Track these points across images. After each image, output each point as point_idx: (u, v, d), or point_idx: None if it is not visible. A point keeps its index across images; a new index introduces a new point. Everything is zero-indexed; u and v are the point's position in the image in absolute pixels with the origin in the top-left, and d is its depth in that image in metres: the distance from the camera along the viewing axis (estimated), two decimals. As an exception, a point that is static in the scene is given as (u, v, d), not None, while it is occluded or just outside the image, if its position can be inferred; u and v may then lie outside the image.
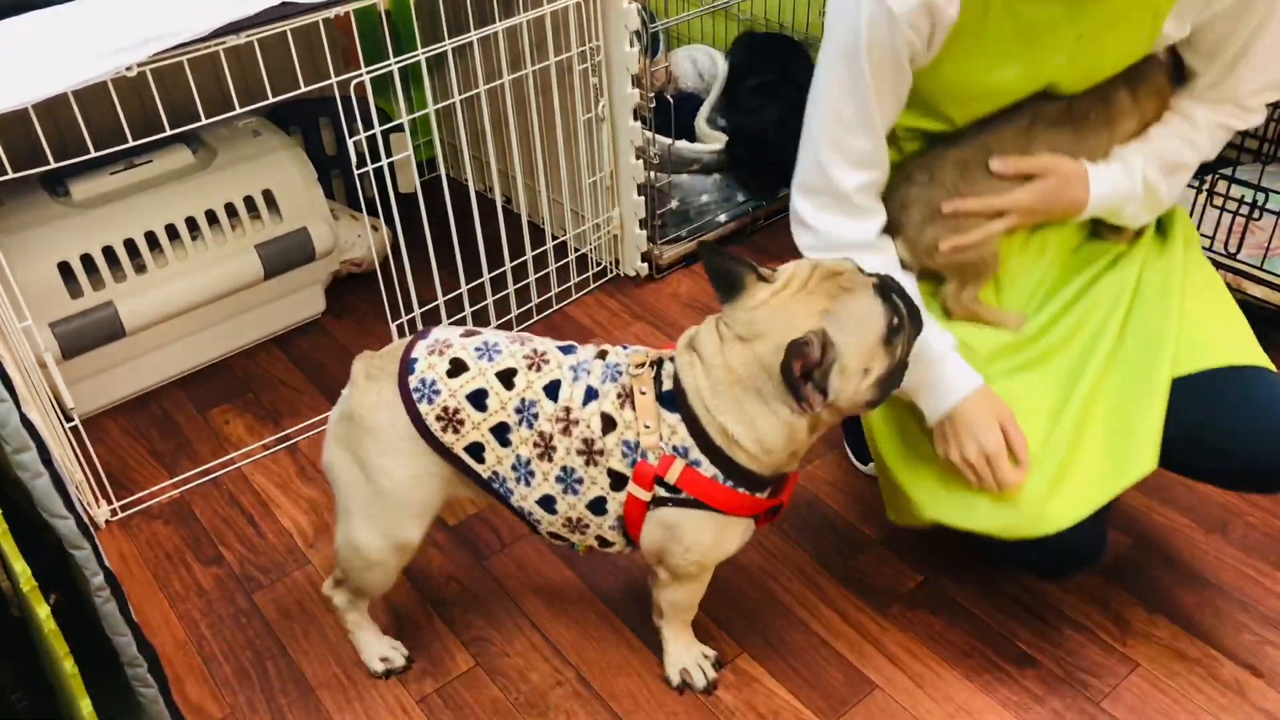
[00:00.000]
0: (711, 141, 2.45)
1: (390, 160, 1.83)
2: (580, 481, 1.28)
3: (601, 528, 1.31)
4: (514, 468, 1.28)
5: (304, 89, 1.68)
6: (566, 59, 2.04)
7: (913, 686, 1.47)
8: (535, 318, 2.23)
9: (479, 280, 2.09)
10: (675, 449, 1.24)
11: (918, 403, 1.36)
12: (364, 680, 1.52)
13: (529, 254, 2.17)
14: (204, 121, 1.61)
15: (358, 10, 1.67)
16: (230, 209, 1.99)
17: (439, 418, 1.27)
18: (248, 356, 2.16)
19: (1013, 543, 1.33)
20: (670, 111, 2.34)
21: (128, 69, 1.47)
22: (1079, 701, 1.44)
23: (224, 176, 2.00)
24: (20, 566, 1.03)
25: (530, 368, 1.29)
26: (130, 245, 1.90)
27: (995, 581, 1.60)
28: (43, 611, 1.05)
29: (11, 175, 1.48)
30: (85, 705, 1.09)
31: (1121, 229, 1.44)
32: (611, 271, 2.36)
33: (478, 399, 1.27)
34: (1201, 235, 1.95)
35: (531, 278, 2.20)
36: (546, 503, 1.30)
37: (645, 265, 2.33)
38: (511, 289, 2.16)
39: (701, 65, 2.68)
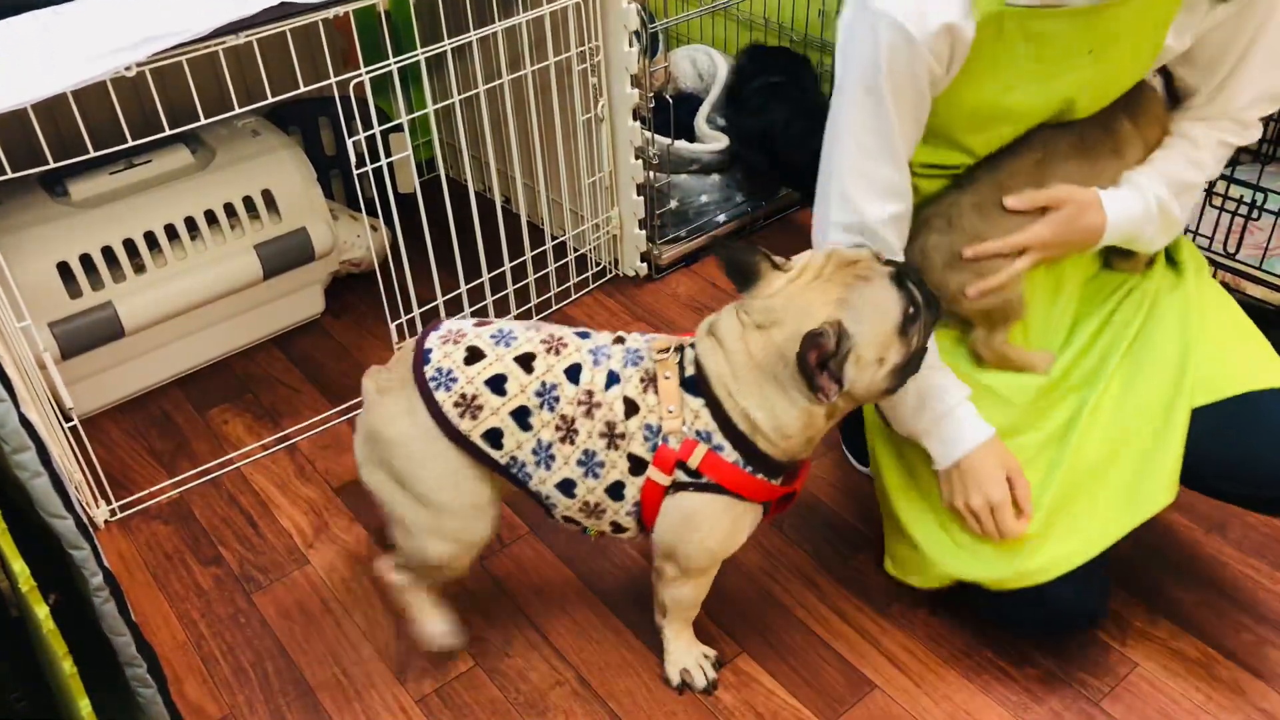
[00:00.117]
0: (711, 141, 2.45)
1: (389, 160, 1.83)
2: (601, 465, 1.27)
3: (618, 513, 1.31)
4: (534, 452, 1.28)
5: (303, 89, 1.68)
6: (566, 59, 2.04)
7: (912, 686, 1.47)
8: (534, 318, 2.23)
9: (478, 280, 2.09)
10: (698, 434, 1.25)
11: (927, 448, 1.37)
12: (363, 680, 1.52)
13: (528, 254, 2.17)
14: (203, 121, 1.61)
15: (357, 10, 1.67)
16: (229, 209, 1.99)
17: (456, 404, 1.27)
18: (247, 357, 2.16)
19: (1014, 601, 1.37)
20: (670, 111, 2.33)
21: (127, 69, 1.47)
22: (1078, 701, 1.44)
23: (223, 176, 2.00)
24: (19, 566, 1.03)
25: (549, 351, 1.29)
26: (129, 245, 1.90)
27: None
28: (41, 611, 1.04)
29: (10, 175, 1.48)
30: (84, 705, 1.09)
31: (1133, 258, 1.45)
32: (611, 272, 2.36)
33: (497, 384, 1.27)
34: (1200, 235, 1.96)
35: (531, 278, 2.20)
36: (566, 486, 1.29)
37: (644, 265, 2.33)
38: (511, 289, 2.16)
39: (701, 65, 2.68)
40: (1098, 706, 1.43)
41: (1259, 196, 1.86)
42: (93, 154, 1.54)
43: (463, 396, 1.27)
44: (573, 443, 1.27)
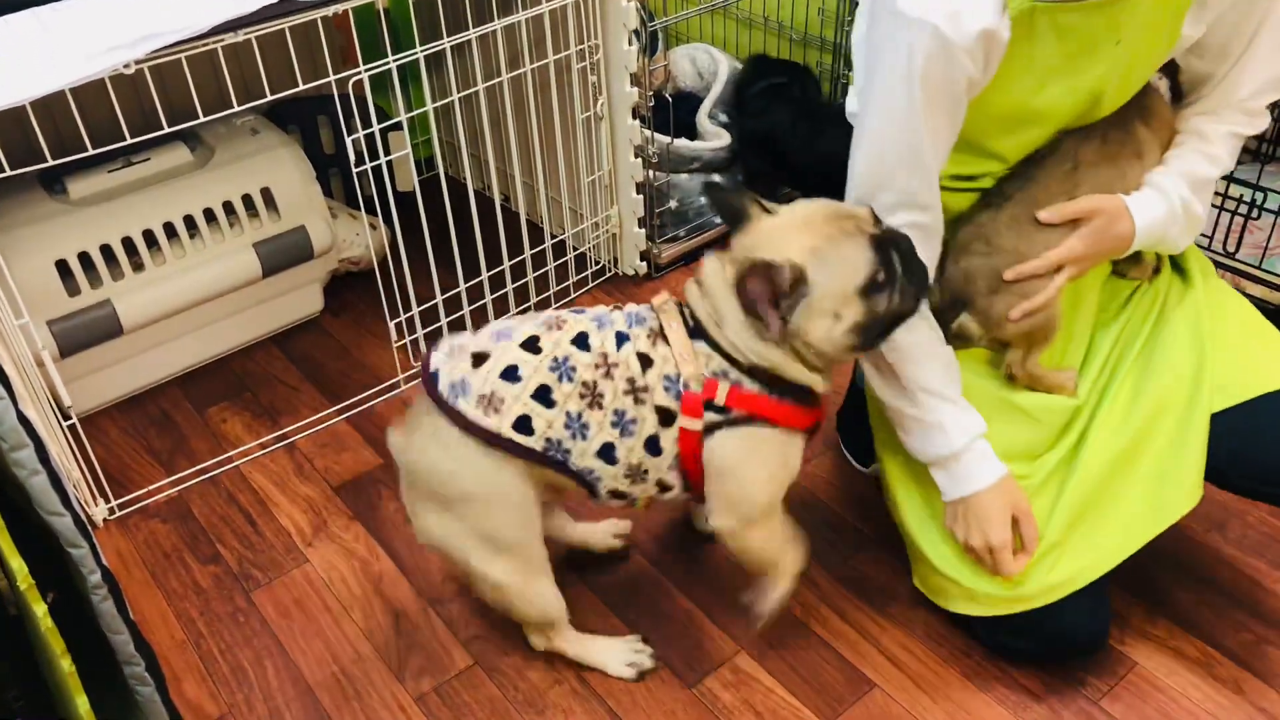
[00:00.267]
0: (712, 138, 2.45)
1: (388, 158, 1.83)
2: (634, 421, 1.27)
3: (660, 469, 1.31)
4: (566, 425, 1.27)
5: (302, 87, 1.68)
6: (565, 57, 2.04)
7: (911, 685, 1.47)
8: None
9: (477, 279, 2.09)
10: (715, 373, 1.26)
11: (935, 478, 1.37)
12: (361, 679, 1.51)
13: (527, 252, 2.17)
14: (202, 119, 1.61)
15: (356, 8, 1.67)
16: (228, 207, 1.99)
17: (478, 405, 1.26)
18: (246, 355, 2.16)
19: (1020, 626, 1.38)
20: (669, 110, 2.33)
21: (125, 66, 1.47)
22: (1077, 700, 1.44)
23: (222, 174, 2.00)
24: (17, 564, 1.03)
25: (551, 329, 1.30)
26: (128, 243, 1.90)
27: (994, 580, 1.60)
28: (40, 609, 1.04)
29: (9, 173, 1.48)
30: (82, 703, 1.09)
31: (1141, 264, 1.45)
32: (610, 270, 2.36)
33: (510, 374, 1.27)
34: (1200, 235, 1.96)
35: (530, 276, 2.19)
36: (606, 452, 1.28)
37: (644, 264, 2.33)
38: (510, 287, 2.16)
39: (701, 64, 2.68)
40: (1097, 705, 1.43)
41: (1259, 196, 1.86)
42: (91, 152, 1.54)
43: (481, 397, 1.26)
44: (601, 406, 1.27)
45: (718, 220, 2.43)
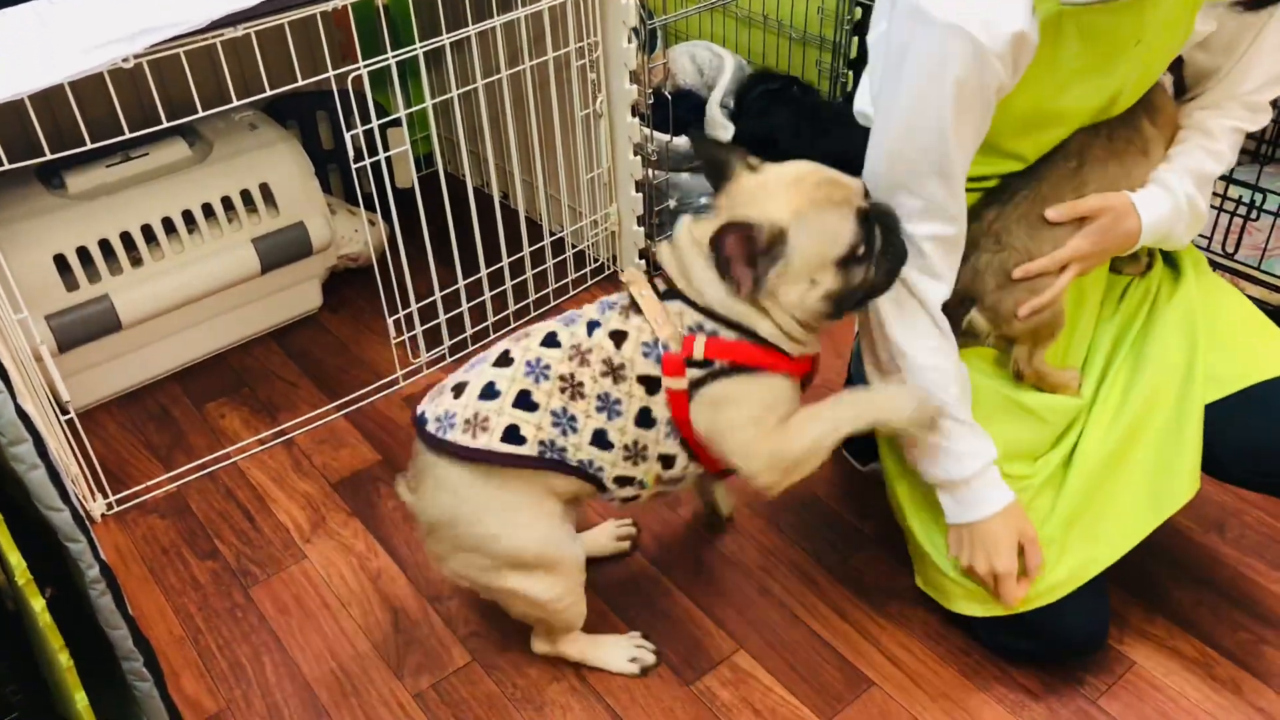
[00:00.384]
0: (720, 129, 2.44)
1: (387, 155, 1.82)
2: (619, 401, 1.27)
3: (658, 441, 1.30)
4: (554, 423, 1.27)
5: (301, 82, 1.67)
6: (564, 54, 2.04)
7: (909, 684, 1.47)
8: (532, 314, 2.23)
9: (476, 276, 2.09)
10: (690, 329, 1.26)
11: (940, 500, 1.36)
12: (360, 675, 1.51)
13: (526, 250, 2.16)
14: (200, 114, 1.61)
15: (355, 4, 1.66)
16: (227, 202, 1.99)
17: (465, 430, 1.27)
18: (244, 351, 2.16)
19: (1021, 627, 1.38)
20: (669, 108, 2.33)
21: (124, 60, 1.46)
22: (1075, 700, 1.44)
23: (221, 170, 1.99)
24: (15, 559, 1.03)
25: (519, 340, 1.31)
26: (126, 238, 1.90)
27: (992, 579, 1.60)
28: (38, 604, 1.04)
29: (7, 166, 1.47)
30: (80, 699, 1.09)
31: (1137, 260, 1.46)
32: (609, 268, 2.36)
33: (488, 392, 1.28)
34: (1200, 235, 1.96)
35: (529, 274, 2.19)
36: (600, 439, 1.28)
37: (643, 262, 2.32)
38: (509, 285, 2.16)
39: (701, 61, 2.67)
40: (1095, 705, 1.43)
41: (1258, 197, 1.86)
42: (90, 146, 1.54)
43: (466, 421, 1.27)
44: (583, 395, 1.27)
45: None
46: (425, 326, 2.06)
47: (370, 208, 2.27)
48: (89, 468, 1.78)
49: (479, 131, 2.36)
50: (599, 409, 1.27)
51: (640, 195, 2.23)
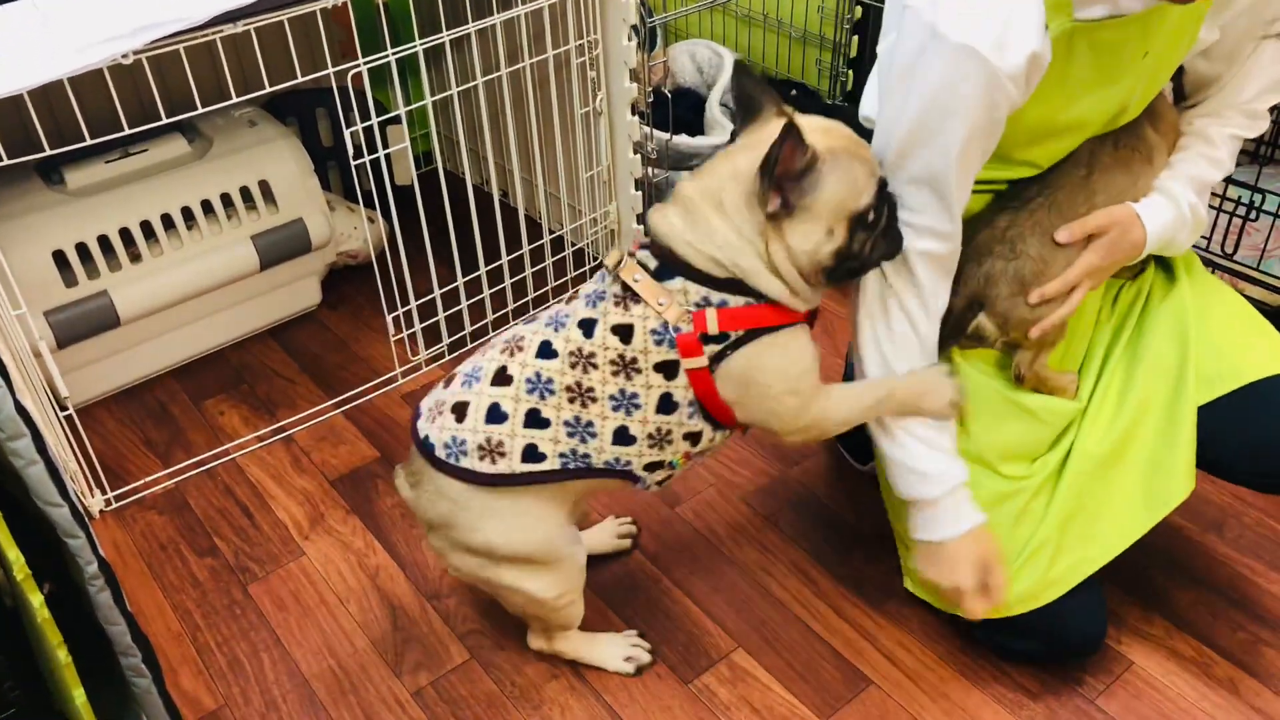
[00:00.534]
0: (717, 131, 2.44)
1: (387, 152, 1.82)
2: (636, 395, 1.24)
3: (683, 423, 1.27)
4: (571, 434, 1.25)
5: (301, 79, 1.67)
6: (564, 52, 2.04)
7: (908, 683, 1.47)
8: (531, 312, 2.23)
9: (475, 274, 2.09)
10: (697, 304, 1.21)
11: (908, 511, 1.35)
12: (358, 672, 1.51)
13: (525, 248, 2.16)
14: (200, 111, 1.61)
15: (356, 1, 1.66)
16: (226, 199, 1.99)
17: (479, 456, 1.26)
18: (243, 348, 2.16)
19: (1019, 627, 1.38)
20: (668, 106, 2.33)
21: (124, 56, 1.46)
22: (1074, 699, 1.44)
23: (220, 166, 1.99)
24: (14, 555, 1.03)
25: (513, 354, 1.27)
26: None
27: (990, 578, 1.61)
28: (36, 600, 1.04)
29: (7, 162, 1.47)
30: (79, 695, 1.09)
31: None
32: (608, 266, 2.36)
33: (494, 414, 1.25)
34: (1199, 237, 1.96)
35: (528, 272, 2.19)
36: (622, 436, 1.26)
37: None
38: (508, 282, 2.16)
39: (701, 60, 2.67)
40: (1093, 704, 1.43)
41: (1257, 198, 1.86)
42: (89, 142, 1.54)
43: (479, 448, 1.25)
44: (594, 400, 1.24)
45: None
46: (424, 324, 2.06)
47: (369, 205, 2.27)
48: (88, 464, 1.78)
49: (478, 129, 2.36)
50: (615, 408, 1.25)
51: (640, 193, 2.23)
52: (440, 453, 1.27)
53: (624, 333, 1.23)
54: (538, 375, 1.25)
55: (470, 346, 2.11)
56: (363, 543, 1.72)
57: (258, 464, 1.88)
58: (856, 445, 1.81)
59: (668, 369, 1.23)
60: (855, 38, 2.51)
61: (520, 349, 1.27)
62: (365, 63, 1.70)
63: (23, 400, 1.05)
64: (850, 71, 2.56)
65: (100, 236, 1.87)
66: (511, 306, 2.18)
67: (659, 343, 1.22)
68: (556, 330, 1.26)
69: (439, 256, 1.99)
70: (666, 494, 1.78)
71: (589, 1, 1.99)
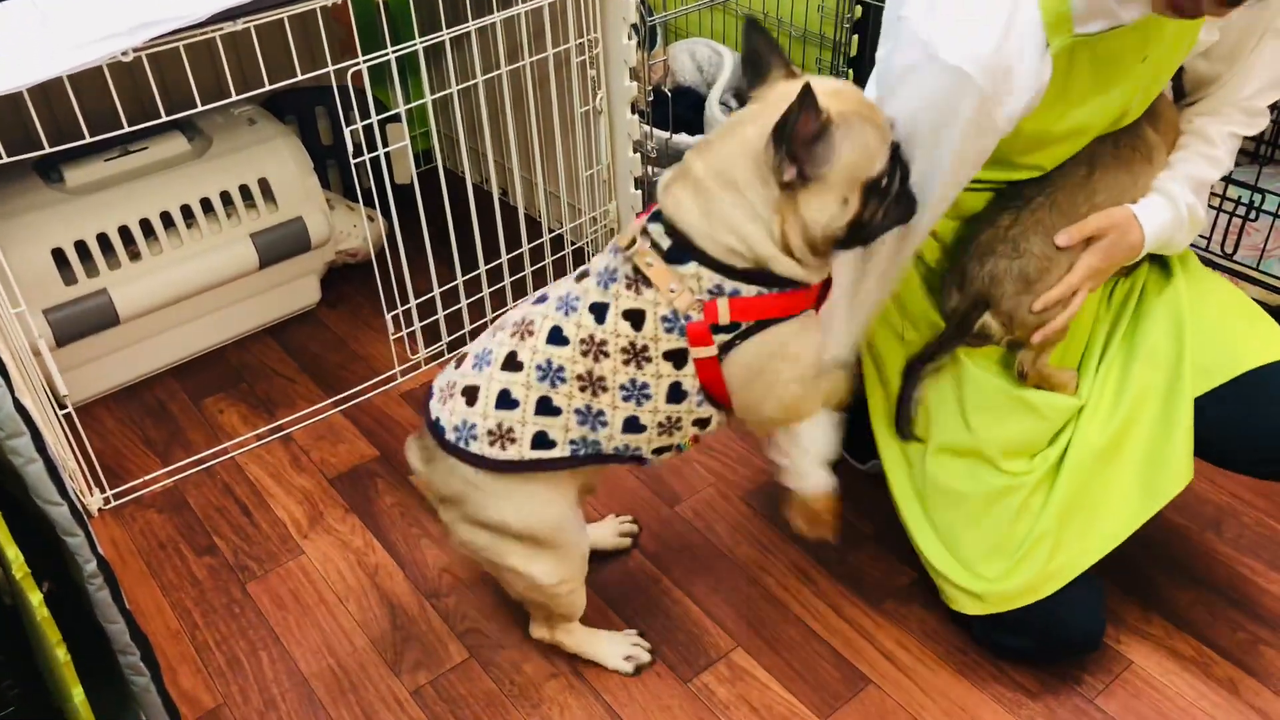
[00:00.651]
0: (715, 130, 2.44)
1: (386, 150, 1.82)
2: (646, 385, 1.23)
3: (692, 411, 1.26)
4: (581, 422, 1.24)
5: (300, 77, 1.67)
6: (564, 51, 2.04)
7: (907, 682, 1.47)
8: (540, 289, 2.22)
9: (475, 273, 2.08)
10: (710, 292, 1.19)
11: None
12: (357, 671, 1.51)
13: (525, 246, 2.16)
14: (200, 109, 1.60)
15: (356, -2, 1.66)
16: (225, 197, 1.98)
17: (490, 442, 1.25)
18: (242, 346, 2.16)
19: (1017, 623, 1.38)
20: (668, 105, 2.33)
21: (123, 54, 1.46)
22: (1072, 698, 1.44)
23: (219, 164, 1.99)
24: (13, 553, 1.02)
25: (522, 339, 1.26)
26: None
27: (990, 578, 1.61)
28: (35, 599, 1.04)
29: (6, 160, 1.47)
30: (77, 693, 1.08)
31: None
32: (608, 265, 2.35)
33: (504, 400, 1.24)
34: (1198, 236, 1.96)
35: (528, 270, 2.19)
36: (632, 425, 1.25)
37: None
38: (507, 281, 2.16)
39: (701, 59, 2.67)
40: (1092, 703, 1.43)
41: (1256, 197, 1.86)
42: (88, 140, 1.53)
43: (490, 433, 1.25)
44: (605, 389, 1.23)
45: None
46: (424, 323, 2.05)
47: (369, 203, 2.27)
48: (86, 462, 1.78)
49: (478, 128, 2.36)
50: (625, 398, 1.23)
51: (639, 192, 2.23)
52: (450, 436, 1.26)
53: (635, 318, 1.21)
54: (549, 363, 1.24)
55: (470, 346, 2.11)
56: (362, 541, 1.71)
57: (257, 463, 1.88)
58: (857, 445, 1.81)
59: (677, 357, 1.22)
60: (855, 37, 2.50)
61: (531, 333, 1.26)
62: (365, 61, 1.70)
63: (22, 398, 1.05)
64: (850, 70, 2.56)
65: (99, 235, 1.87)
66: (511, 305, 2.18)
67: (669, 330, 1.20)
68: (567, 315, 1.25)
69: (438, 255, 1.99)
70: (666, 493, 1.78)
71: (589, 0, 1.99)
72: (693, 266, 1.19)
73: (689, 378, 1.23)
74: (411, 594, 1.62)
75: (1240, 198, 1.89)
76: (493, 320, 2.13)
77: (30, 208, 1.83)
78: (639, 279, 1.21)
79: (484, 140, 2.24)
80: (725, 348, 1.21)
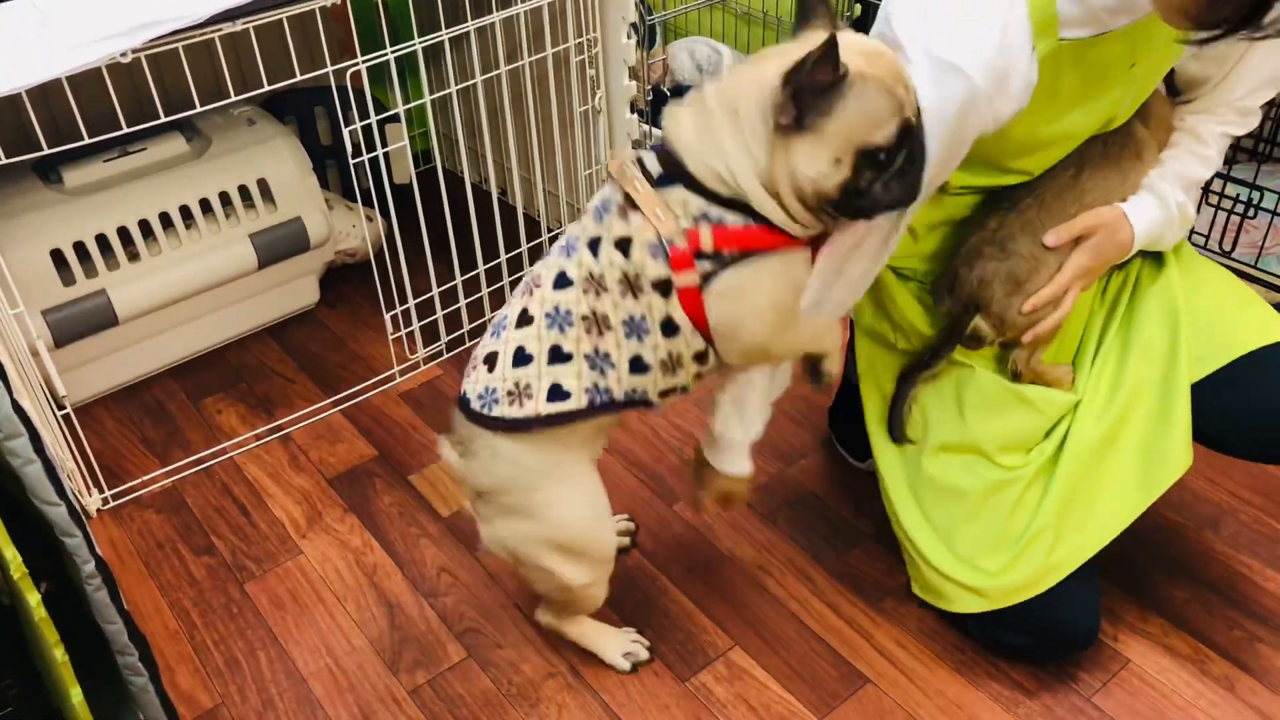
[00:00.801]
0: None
1: (385, 150, 1.82)
2: (644, 319, 1.21)
3: (689, 344, 1.23)
4: (592, 366, 1.22)
5: (300, 78, 1.67)
6: (563, 50, 2.04)
7: (905, 681, 1.47)
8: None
9: (474, 272, 2.09)
10: (695, 219, 1.16)
11: (706, 450, 1.43)
12: (355, 671, 1.51)
13: (524, 246, 2.16)
14: (199, 109, 1.60)
15: (354, -1, 1.66)
16: (224, 198, 1.99)
17: (511, 403, 1.24)
18: (241, 346, 2.16)
19: (1012, 620, 1.39)
20: (667, 104, 2.33)
21: (122, 55, 1.46)
22: (1070, 697, 1.44)
23: (218, 165, 1.99)
24: (11, 553, 1.03)
25: (531, 293, 1.25)
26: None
27: (987, 577, 1.61)
28: (33, 599, 1.04)
29: (5, 161, 1.47)
30: (76, 694, 1.09)
31: None
32: (606, 264, 2.35)
33: (520, 357, 1.23)
34: (1196, 234, 1.96)
35: (527, 270, 2.19)
36: (637, 364, 1.23)
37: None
38: (506, 281, 2.16)
39: (700, 57, 2.67)
40: (1089, 702, 1.43)
41: (1255, 195, 1.87)
42: (87, 141, 1.54)
43: (509, 393, 1.24)
44: (609, 327, 1.21)
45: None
46: (423, 322, 2.06)
47: (368, 203, 2.27)
48: (85, 463, 1.78)
49: (477, 127, 2.36)
50: (628, 335, 1.21)
51: (638, 192, 2.23)
52: (475, 404, 1.26)
53: (624, 246, 1.19)
54: (556, 308, 1.22)
55: (469, 345, 2.11)
56: (360, 541, 1.72)
57: (255, 462, 1.88)
58: (854, 443, 1.81)
59: (663, 287, 1.19)
60: (854, 36, 2.51)
61: (538, 285, 1.25)
62: (364, 61, 1.70)
63: (20, 399, 1.05)
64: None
65: (98, 235, 1.87)
66: (510, 305, 2.18)
67: (654, 256, 1.18)
68: (569, 256, 1.23)
69: (437, 255, 1.99)
70: (665, 492, 1.78)
71: (588, 0, 1.99)
72: (680, 192, 1.16)
73: (677, 308, 1.20)
74: (410, 593, 1.63)
75: (1239, 195, 1.89)
76: (492, 320, 2.14)
77: (29, 208, 1.84)
78: (628, 202, 1.19)
79: (483, 140, 2.24)
80: (707, 277, 1.18)
